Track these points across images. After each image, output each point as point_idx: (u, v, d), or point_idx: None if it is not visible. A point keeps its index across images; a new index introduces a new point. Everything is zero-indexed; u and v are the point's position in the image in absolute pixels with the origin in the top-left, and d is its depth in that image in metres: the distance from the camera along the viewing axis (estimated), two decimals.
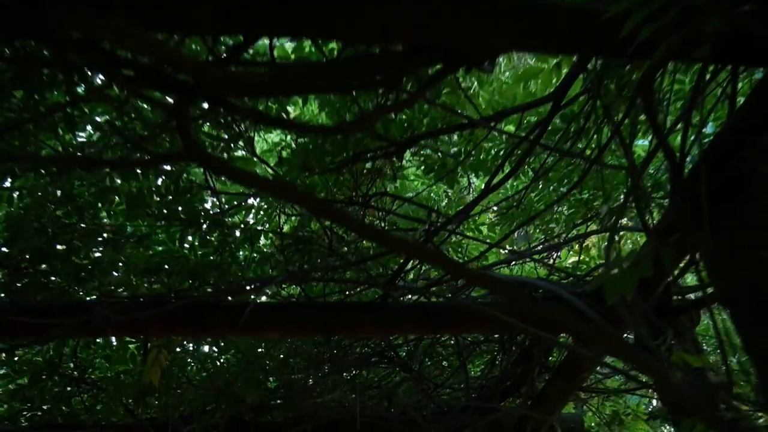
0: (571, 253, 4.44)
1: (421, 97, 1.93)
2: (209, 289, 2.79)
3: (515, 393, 3.91)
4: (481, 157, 2.77)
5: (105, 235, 3.02)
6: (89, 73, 2.08)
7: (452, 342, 3.94)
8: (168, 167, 2.83)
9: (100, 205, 3.02)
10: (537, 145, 2.34)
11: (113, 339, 3.53)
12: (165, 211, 2.81)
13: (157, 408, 3.91)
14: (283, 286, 3.21)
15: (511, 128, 2.80)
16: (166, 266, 2.80)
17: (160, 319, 2.76)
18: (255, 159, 2.63)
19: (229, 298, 2.80)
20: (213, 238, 2.91)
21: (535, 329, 3.09)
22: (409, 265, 2.84)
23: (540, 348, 3.33)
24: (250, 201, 3.05)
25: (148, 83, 1.75)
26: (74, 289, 3.12)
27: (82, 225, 2.99)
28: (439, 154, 2.67)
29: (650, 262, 1.71)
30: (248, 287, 2.69)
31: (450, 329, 3.03)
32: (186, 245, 2.90)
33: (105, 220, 3.19)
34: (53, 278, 3.07)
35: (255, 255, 3.03)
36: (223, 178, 2.98)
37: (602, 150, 2.46)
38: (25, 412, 4.03)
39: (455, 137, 2.69)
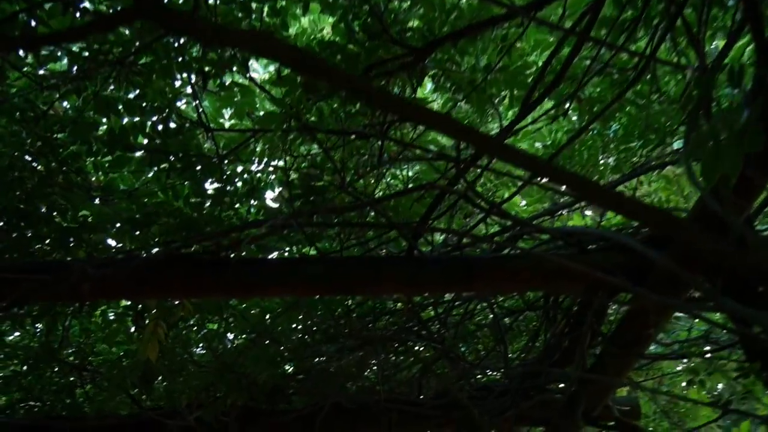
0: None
1: None
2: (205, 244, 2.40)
3: (565, 366, 3.44)
4: (518, 64, 2.33)
5: (91, 191, 2.67)
6: None
7: (487, 311, 3.49)
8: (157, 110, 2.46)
9: (85, 158, 2.67)
10: (586, 41, 1.91)
11: (111, 316, 3.16)
12: (153, 155, 2.44)
13: (163, 395, 3.54)
14: (294, 246, 2.81)
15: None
16: (155, 219, 2.43)
17: (149, 279, 2.39)
18: (250, 82, 2.26)
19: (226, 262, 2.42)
20: (209, 187, 2.54)
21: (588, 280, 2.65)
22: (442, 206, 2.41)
23: (591, 312, 2.86)
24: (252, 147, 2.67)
25: None
26: (60, 255, 2.77)
27: (65, 179, 2.64)
28: (464, 69, 2.25)
29: (760, 133, 1.27)
30: (247, 234, 2.29)
31: (486, 287, 2.60)
32: (178, 195, 2.52)
33: (92, 179, 2.84)
34: (35, 242, 2.73)
35: (258, 207, 2.65)
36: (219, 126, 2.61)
37: (658, 46, 2.01)
38: (23, 404, 3.71)
39: (484, 44, 2.27)
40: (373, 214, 2.75)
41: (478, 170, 2.49)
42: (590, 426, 3.64)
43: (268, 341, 2.99)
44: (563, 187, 2.23)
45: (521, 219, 2.41)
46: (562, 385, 3.56)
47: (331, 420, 3.71)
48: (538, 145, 3.48)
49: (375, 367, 3.70)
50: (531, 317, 3.98)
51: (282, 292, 2.53)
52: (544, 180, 2.59)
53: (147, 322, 2.91)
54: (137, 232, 2.42)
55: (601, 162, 3.30)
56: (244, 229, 2.32)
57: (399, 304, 3.58)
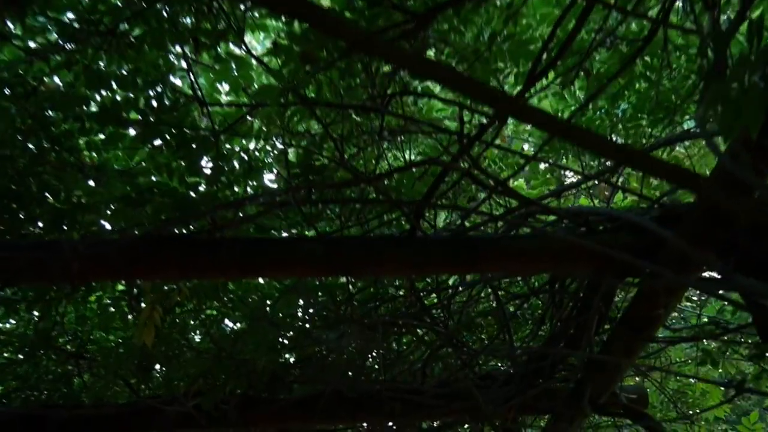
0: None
1: None
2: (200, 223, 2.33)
3: (571, 354, 3.36)
4: (523, 34, 2.24)
5: (85, 170, 2.59)
6: None
7: (491, 298, 3.41)
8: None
9: (78, 137, 2.60)
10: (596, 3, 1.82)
11: (107, 301, 3.09)
12: (146, 131, 2.36)
13: (161, 383, 3.47)
14: (293, 230, 2.74)
15: None
16: (149, 198, 2.35)
17: (143, 259, 2.32)
18: (246, 54, 2.17)
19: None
20: (205, 166, 2.46)
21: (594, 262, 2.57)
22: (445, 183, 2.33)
23: (600, 294, 2.78)
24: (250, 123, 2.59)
25: None
26: (54, 237, 2.70)
27: (57, 158, 2.56)
28: (468, 40, 2.16)
29: None
30: (244, 212, 2.21)
31: (491, 268, 2.51)
32: (173, 173, 2.45)
33: (86, 159, 2.77)
34: (27, 224, 2.66)
35: (256, 188, 2.57)
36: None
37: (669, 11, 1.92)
38: (20, 393, 3.64)
39: (489, 14, 2.18)
40: (373, 194, 2.67)
41: (482, 149, 2.41)
42: (597, 414, 3.57)
43: (267, 326, 2.91)
44: (581, 147, 2.15)
45: (527, 198, 2.32)
46: (567, 374, 3.49)
47: (332, 408, 3.64)
48: None
49: (377, 355, 3.63)
50: (536, 304, 3.90)
51: (280, 273, 2.46)
52: (555, 153, 2.51)
53: (143, 306, 2.84)
54: (131, 212, 2.34)
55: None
56: (239, 205, 2.24)
57: (401, 291, 3.51)
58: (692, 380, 4.53)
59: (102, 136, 2.59)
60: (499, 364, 3.89)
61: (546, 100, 3.21)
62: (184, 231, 2.41)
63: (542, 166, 3.44)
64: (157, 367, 3.45)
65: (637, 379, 4.68)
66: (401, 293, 3.39)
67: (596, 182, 3.17)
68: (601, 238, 2.58)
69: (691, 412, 4.60)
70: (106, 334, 3.41)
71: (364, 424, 4.15)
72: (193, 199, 2.36)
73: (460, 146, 2.16)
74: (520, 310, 3.64)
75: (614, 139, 3.27)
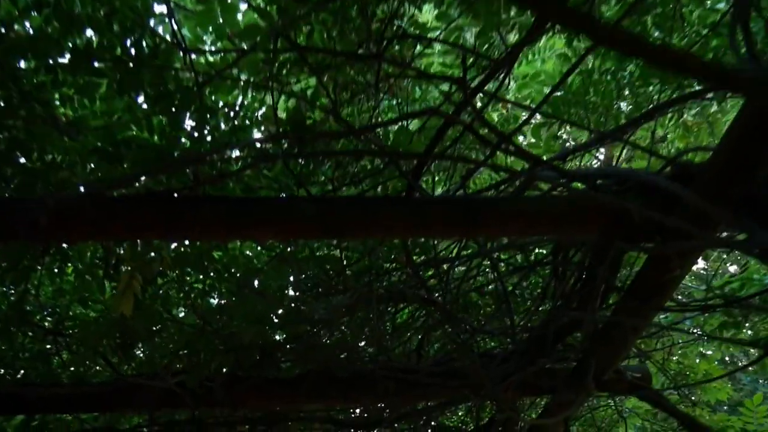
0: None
1: None
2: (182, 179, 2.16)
3: (573, 330, 3.21)
4: None
5: (58, 126, 2.41)
6: None
7: (491, 272, 3.26)
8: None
9: (51, 89, 2.41)
10: None
11: (83, 269, 2.90)
12: (124, 80, 2.18)
13: (143, 360, 3.30)
14: (283, 193, 2.56)
15: None
16: (128, 152, 2.18)
17: (119, 216, 2.14)
18: None
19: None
20: (188, 119, 2.29)
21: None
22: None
23: (607, 260, 2.63)
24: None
25: None
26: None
27: (28, 112, 2.38)
28: None
29: None
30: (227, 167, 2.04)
31: (494, 230, 2.36)
32: (153, 128, 2.27)
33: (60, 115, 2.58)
34: None
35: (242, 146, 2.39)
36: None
37: None
38: None
39: None
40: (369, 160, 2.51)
41: (487, 101, 2.25)
42: (601, 391, 3.43)
43: (255, 297, 2.75)
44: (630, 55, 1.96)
45: (534, 156, 2.16)
46: (570, 350, 3.34)
47: (322, 388, 3.49)
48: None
49: (370, 331, 3.47)
50: (536, 281, 3.76)
51: (269, 234, 2.29)
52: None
53: (122, 272, 2.67)
54: (106, 166, 2.17)
55: (615, 108, 3.06)
56: (224, 151, 2.07)
57: (397, 264, 3.35)
58: (695, 364, 4.41)
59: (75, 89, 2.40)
60: (498, 342, 3.74)
61: (550, 61, 3.06)
62: (165, 188, 2.24)
63: (544, 134, 3.28)
64: (139, 345, 3.27)
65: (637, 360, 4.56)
66: (396, 266, 3.24)
67: (603, 147, 3.01)
68: (608, 199, 2.43)
69: (692, 397, 4.49)
70: (85, 309, 3.23)
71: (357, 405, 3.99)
72: (175, 153, 2.18)
73: (463, 95, 2.00)
74: (520, 286, 3.48)
75: (620, 104, 3.12)
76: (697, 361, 4.42)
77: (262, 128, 2.58)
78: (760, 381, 7.35)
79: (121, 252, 2.73)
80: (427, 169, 2.35)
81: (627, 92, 3.13)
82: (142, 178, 2.06)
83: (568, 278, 3.02)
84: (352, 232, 2.29)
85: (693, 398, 4.36)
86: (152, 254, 2.71)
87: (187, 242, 2.75)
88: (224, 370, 3.34)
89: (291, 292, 3.13)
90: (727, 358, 6.26)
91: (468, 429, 4.92)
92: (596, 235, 2.48)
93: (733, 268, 5.18)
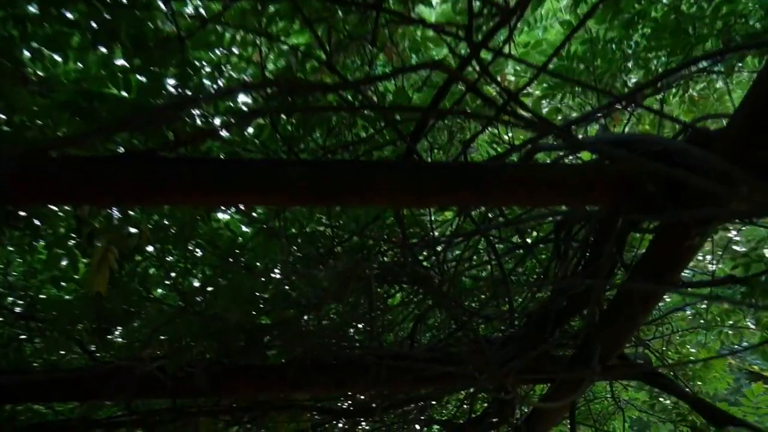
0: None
1: None
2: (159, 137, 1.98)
3: (576, 312, 3.07)
4: None
5: (27, 83, 2.22)
6: None
7: (489, 255, 3.10)
8: None
9: (19, 43, 2.22)
10: None
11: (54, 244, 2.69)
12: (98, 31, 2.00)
13: (120, 345, 3.10)
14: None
15: None
16: (101, 106, 1.99)
17: (92, 178, 1.95)
18: None
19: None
20: (169, 78, 2.10)
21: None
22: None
23: (613, 237, 2.48)
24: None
25: None
26: None
27: None
28: None
29: None
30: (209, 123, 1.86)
31: (497, 198, 2.20)
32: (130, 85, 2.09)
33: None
34: None
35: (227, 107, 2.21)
36: None
37: None
38: None
39: None
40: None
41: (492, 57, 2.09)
42: (605, 378, 3.29)
43: (240, 274, 2.56)
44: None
45: (542, 117, 2.01)
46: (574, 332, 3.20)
47: (311, 376, 3.31)
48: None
49: (363, 314, 3.30)
50: (534, 266, 3.61)
51: (256, 199, 2.10)
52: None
53: (96, 246, 2.48)
54: (79, 124, 1.98)
55: (621, 77, 2.93)
56: (208, 99, 1.89)
57: (389, 244, 3.19)
58: (693, 351, 4.29)
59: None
60: (496, 327, 3.58)
61: (552, 29, 2.92)
62: (143, 149, 2.06)
63: (545, 109, 3.14)
64: (116, 329, 3.07)
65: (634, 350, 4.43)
66: (390, 246, 3.07)
67: (609, 116, 2.87)
68: (619, 167, 2.29)
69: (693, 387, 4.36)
70: (58, 290, 3.02)
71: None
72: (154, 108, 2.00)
73: (468, 46, 1.83)
74: (521, 265, 3.33)
75: (626, 73, 2.98)
76: (693, 350, 4.30)
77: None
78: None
79: (96, 225, 2.54)
80: (428, 131, 2.19)
81: (631, 64, 3.00)
82: (116, 133, 1.87)
83: (570, 257, 2.87)
84: (345, 198, 2.12)
85: (694, 389, 4.23)
86: (130, 229, 2.53)
87: (167, 217, 2.57)
88: (207, 356, 3.16)
89: (279, 272, 2.94)
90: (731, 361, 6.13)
91: (460, 421, 4.77)
92: (606, 206, 2.34)
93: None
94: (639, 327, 2.82)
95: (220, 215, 2.88)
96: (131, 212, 2.62)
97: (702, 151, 2.01)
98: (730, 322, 4.26)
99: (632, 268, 2.55)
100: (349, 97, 2.05)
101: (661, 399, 4.60)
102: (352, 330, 3.44)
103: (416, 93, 2.24)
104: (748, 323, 4.39)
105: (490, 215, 3.11)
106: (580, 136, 2.69)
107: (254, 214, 2.71)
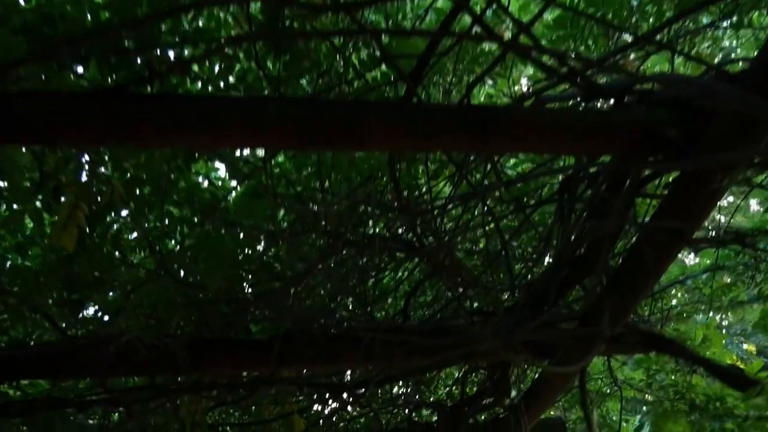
0: None
1: None
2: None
3: (580, 279, 2.90)
4: None
5: None
6: None
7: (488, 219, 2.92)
8: None
9: None
10: None
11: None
12: None
13: (92, 317, 2.87)
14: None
15: None
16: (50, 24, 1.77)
17: (54, 115, 1.74)
18: None
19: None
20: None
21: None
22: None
23: (624, 190, 2.31)
24: None
25: None
26: None
27: None
28: None
29: None
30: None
31: (505, 144, 2.02)
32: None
33: None
34: None
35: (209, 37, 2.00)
36: None
37: None
38: None
39: None
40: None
41: None
42: (612, 351, 3.12)
43: (222, 235, 2.35)
44: None
45: (559, 51, 1.83)
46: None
47: (299, 350, 3.10)
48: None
49: (355, 283, 3.10)
50: (535, 233, 3.44)
51: (239, 141, 1.89)
52: None
53: (63, 201, 2.25)
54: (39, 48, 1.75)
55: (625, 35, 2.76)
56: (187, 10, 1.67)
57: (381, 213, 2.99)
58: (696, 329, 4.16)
59: None
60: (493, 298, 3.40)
61: None
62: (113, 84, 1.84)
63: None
64: (87, 300, 2.84)
65: None
66: (383, 210, 2.88)
67: (625, 59, 2.70)
68: (635, 113, 2.12)
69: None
70: (22, 258, 2.78)
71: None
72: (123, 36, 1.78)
73: None
74: (523, 229, 3.15)
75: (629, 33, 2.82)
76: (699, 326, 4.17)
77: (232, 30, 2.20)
78: None
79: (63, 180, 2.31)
80: (429, 70, 1.99)
81: (635, 18, 2.85)
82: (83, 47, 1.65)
83: (576, 219, 2.70)
84: (338, 142, 1.92)
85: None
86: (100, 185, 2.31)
87: (143, 169, 2.34)
88: (188, 330, 2.94)
89: (265, 237, 2.74)
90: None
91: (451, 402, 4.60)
92: (620, 154, 2.17)
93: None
94: (651, 289, 2.65)
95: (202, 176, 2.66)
96: (103, 169, 2.40)
97: (729, 86, 1.85)
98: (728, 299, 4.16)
99: (645, 225, 2.38)
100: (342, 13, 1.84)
101: (657, 378, 4.47)
102: (341, 301, 3.24)
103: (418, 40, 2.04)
104: (747, 298, 4.29)
105: (486, 182, 2.95)
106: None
107: (239, 170, 2.50)
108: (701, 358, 2.45)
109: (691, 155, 1.98)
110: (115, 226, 2.49)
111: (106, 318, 2.83)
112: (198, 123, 1.80)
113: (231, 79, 2.14)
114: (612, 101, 2.20)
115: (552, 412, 5.10)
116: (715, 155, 1.91)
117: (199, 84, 2.14)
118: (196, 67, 2.04)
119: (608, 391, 4.78)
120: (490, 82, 2.72)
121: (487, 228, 3.05)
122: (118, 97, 1.77)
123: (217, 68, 2.18)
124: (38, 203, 2.29)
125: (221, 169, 2.66)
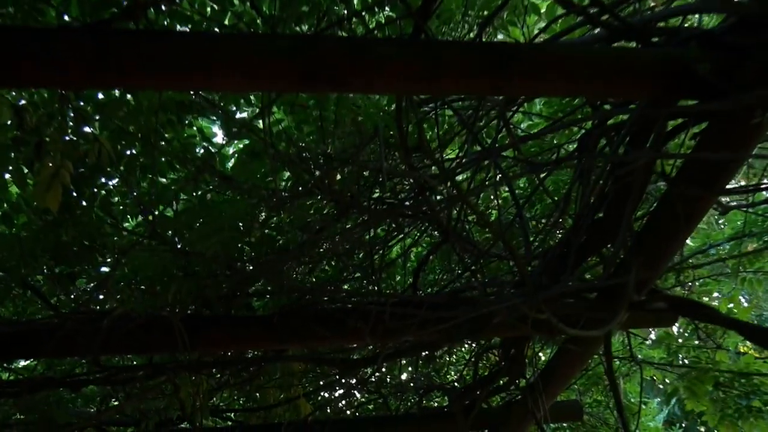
0: None
1: None
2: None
3: (600, 246, 2.72)
4: None
5: None
6: None
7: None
8: None
9: None
10: None
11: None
12: None
13: (84, 292, 2.71)
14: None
15: None
16: None
17: (26, 54, 1.57)
18: None
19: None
20: None
21: None
22: None
23: (652, 138, 2.12)
24: None
25: None
26: None
27: None
28: None
29: None
30: None
31: (527, 85, 1.83)
32: None
33: None
34: None
35: None
36: None
37: None
38: None
39: None
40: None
41: None
42: (638, 320, 2.93)
43: (220, 198, 2.18)
44: None
45: None
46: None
47: (304, 324, 2.94)
48: None
49: (360, 256, 2.94)
50: (546, 205, 3.27)
51: (233, 82, 1.72)
52: None
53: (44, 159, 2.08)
54: None
55: None
56: None
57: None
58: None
59: None
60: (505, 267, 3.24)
61: None
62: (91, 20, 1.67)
63: None
64: (78, 272, 2.68)
65: None
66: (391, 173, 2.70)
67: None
68: (666, 52, 1.94)
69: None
70: (7, 228, 2.61)
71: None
72: None
73: None
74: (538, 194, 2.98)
75: None
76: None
77: None
78: None
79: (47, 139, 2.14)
80: (438, 6, 1.82)
81: None
82: None
83: (596, 181, 2.52)
84: (344, 81, 1.74)
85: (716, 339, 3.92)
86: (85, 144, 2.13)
87: (130, 122, 2.17)
88: (185, 305, 2.78)
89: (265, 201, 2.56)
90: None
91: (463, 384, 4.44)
92: (650, 95, 1.99)
93: None
94: (681, 246, 2.47)
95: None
96: (88, 128, 2.22)
97: None
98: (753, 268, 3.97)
99: (673, 178, 2.20)
100: None
101: (679, 355, 4.29)
102: (348, 274, 3.07)
103: None
104: None
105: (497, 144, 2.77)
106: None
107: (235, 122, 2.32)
108: (735, 320, 2.27)
109: (730, 92, 1.81)
110: (102, 191, 2.32)
111: (98, 294, 2.66)
112: (186, 62, 1.63)
113: (226, 21, 1.97)
114: (638, 43, 2.03)
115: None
116: (755, 91, 1.73)
117: (189, 28, 1.97)
118: (187, 7, 1.87)
119: (627, 371, 4.60)
120: (501, 33, 2.54)
121: (499, 191, 2.88)
122: (100, 32, 1.60)
123: (209, 11, 2.02)
124: (20, 164, 2.11)
125: (216, 128, 2.49)
